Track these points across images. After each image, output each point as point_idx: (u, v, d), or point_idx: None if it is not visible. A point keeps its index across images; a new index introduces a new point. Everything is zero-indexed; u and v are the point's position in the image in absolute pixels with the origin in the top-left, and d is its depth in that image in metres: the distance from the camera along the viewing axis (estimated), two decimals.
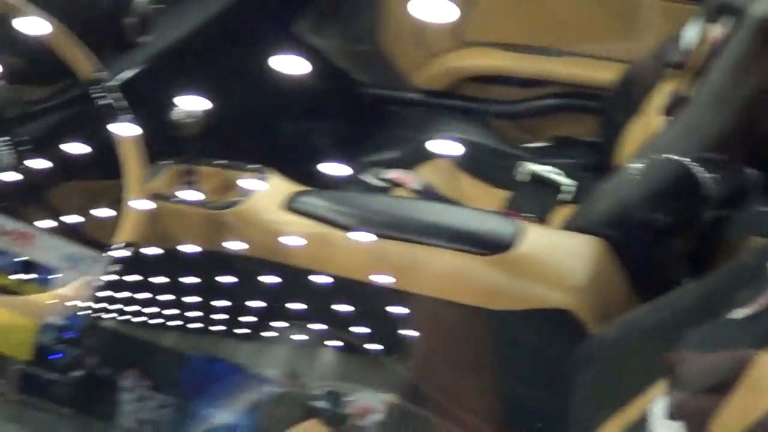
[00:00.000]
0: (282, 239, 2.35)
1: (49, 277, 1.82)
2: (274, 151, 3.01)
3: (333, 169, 3.07)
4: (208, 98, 2.55)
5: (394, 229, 2.27)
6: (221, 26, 2.98)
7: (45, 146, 1.95)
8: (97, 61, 2.00)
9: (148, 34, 2.66)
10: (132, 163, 1.95)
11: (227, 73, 2.92)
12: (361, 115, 3.40)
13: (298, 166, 2.57)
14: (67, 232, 1.82)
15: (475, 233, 2.19)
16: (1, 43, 2.25)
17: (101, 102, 1.96)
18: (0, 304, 1.69)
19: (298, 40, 3.36)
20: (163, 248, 2.26)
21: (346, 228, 2.29)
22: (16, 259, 1.76)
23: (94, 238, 1.89)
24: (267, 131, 3.23)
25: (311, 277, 2.32)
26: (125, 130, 1.97)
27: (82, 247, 1.77)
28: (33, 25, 1.93)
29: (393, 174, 3.02)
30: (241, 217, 2.38)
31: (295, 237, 2.35)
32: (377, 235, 2.26)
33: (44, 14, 1.94)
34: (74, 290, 1.78)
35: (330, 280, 2.31)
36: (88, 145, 2.30)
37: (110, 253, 1.83)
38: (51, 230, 1.79)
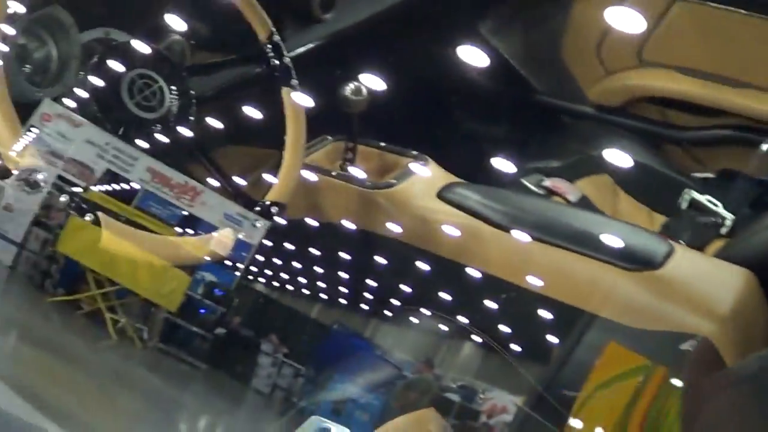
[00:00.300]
0: (432, 227, 2.34)
1: (209, 233, 1.85)
2: (437, 141, 3.00)
3: (493, 167, 3.03)
4: (381, 80, 2.56)
5: (544, 232, 2.24)
6: (406, 13, 2.99)
7: (216, 104, 2.00)
8: (275, 26, 2.03)
9: (332, 11, 2.69)
10: (296, 130, 1.98)
11: (404, 59, 2.93)
12: (531, 120, 3.36)
13: (458, 159, 2.56)
14: (230, 192, 1.85)
15: (626, 247, 2.14)
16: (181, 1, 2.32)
17: (276, 63, 2.00)
18: (157, 249, 1.73)
19: (480, 38, 3.33)
20: (316, 221, 2.28)
21: (496, 224, 2.26)
22: (180, 212, 1.80)
23: (245, 202, 1.91)
24: (433, 120, 3.22)
25: (457, 269, 2.30)
26: (293, 100, 2.00)
27: (243, 209, 1.81)
28: None
29: (552, 182, 2.97)
30: (394, 199, 2.39)
31: (445, 226, 2.33)
32: (527, 236, 2.22)
33: None
34: (229, 248, 1.81)
35: (476, 274, 2.29)
36: (258, 108, 2.35)
37: (257, 209, 1.85)
38: (215, 189, 1.83)
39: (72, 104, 1.86)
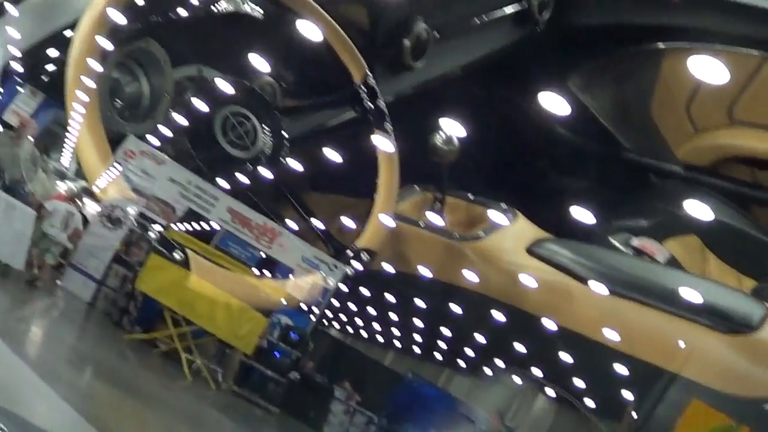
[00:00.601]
0: (519, 281, 2.27)
1: (286, 276, 1.80)
2: (525, 194, 2.94)
3: (581, 223, 2.95)
4: (469, 130, 2.51)
5: (635, 290, 2.17)
6: (496, 65, 2.96)
7: (307, 146, 1.95)
8: (370, 70, 1.99)
9: (423, 60, 2.66)
10: (389, 176, 1.94)
11: (492, 111, 2.89)
12: (618, 177, 3.29)
13: (546, 212, 2.49)
14: (310, 236, 1.79)
15: (721, 308, 2.06)
16: (277, 41, 2.30)
17: (370, 106, 1.95)
18: (236, 291, 1.67)
19: (569, 93, 3.27)
20: (398, 269, 2.22)
21: (585, 281, 2.18)
22: (258, 254, 1.75)
23: (336, 247, 1.86)
24: (521, 173, 3.17)
25: (539, 323, 2.23)
26: (387, 144, 1.95)
27: (322, 253, 1.75)
28: (313, 28, 1.94)
29: (640, 242, 2.89)
30: (482, 252, 2.34)
31: (533, 281, 2.26)
32: (617, 294, 2.14)
33: (328, 19, 1.95)
34: (307, 293, 1.75)
35: (558, 329, 2.21)
36: (348, 153, 2.30)
37: (347, 253, 1.80)
38: (295, 231, 1.78)
39: (157, 141, 1.82)
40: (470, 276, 2.43)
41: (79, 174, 2.34)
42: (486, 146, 2.75)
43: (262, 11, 2.08)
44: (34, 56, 1.87)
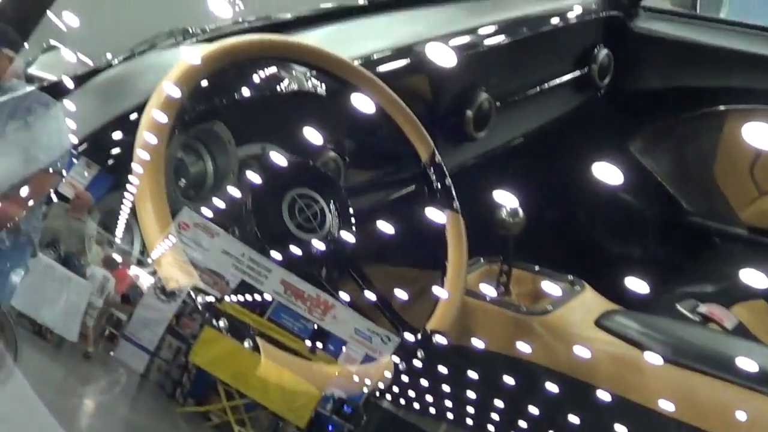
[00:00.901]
0: (588, 355, 2.20)
1: (339, 347, 1.75)
2: (589, 261, 2.88)
3: (646, 292, 2.88)
4: (532, 200, 2.48)
5: (708, 364, 2.08)
6: (557, 132, 2.93)
7: (373, 224, 1.91)
8: (435, 147, 1.95)
9: (485, 130, 2.63)
10: (458, 256, 1.89)
11: (555, 178, 2.85)
12: (682, 242, 3.21)
13: (610, 281, 2.43)
14: (363, 307, 1.75)
15: None
16: (341, 117, 2.28)
17: (438, 185, 1.92)
18: (290, 368, 1.63)
19: (630, 157, 3.24)
20: (460, 343, 2.16)
21: (656, 355, 2.11)
22: (311, 326, 1.71)
23: (406, 329, 1.81)
24: (585, 240, 3.12)
25: (603, 397, 2.16)
26: (455, 223, 1.91)
27: (374, 325, 1.70)
28: (378, 105, 1.91)
29: (708, 308, 2.81)
30: (550, 326, 2.27)
31: (603, 356, 2.19)
32: (689, 369, 2.07)
33: (393, 97, 1.92)
34: (364, 370, 1.70)
35: (622, 401, 2.15)
36: (414, 227, 2.26)
37: (418, 337, 1.74)
38: (348, 303, 1.73)
39: (222, 222, 1.79)
40: (537, 350, 2.36)
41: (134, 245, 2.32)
42: (548, 215, 2.70)
43: (325, 88, 2.05)
44: (98, 138, 1.85)
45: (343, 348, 1.68)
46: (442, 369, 1.91)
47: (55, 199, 1.98)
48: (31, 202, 1.85)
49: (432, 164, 1.86)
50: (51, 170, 1.83)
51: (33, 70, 2.20)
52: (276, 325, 1.75)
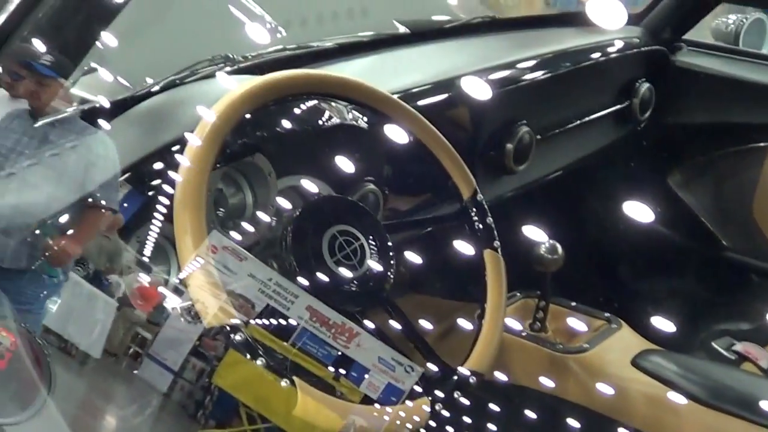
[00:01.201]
0: (625, 396, 2.17)
1: (362, 375, 1.73)
2: (624, 298, 2.86)
3: (681, 329, 2.85)
4: (567, 234, 2.45)
5: (747, 409, 2.04)
6: (596, 166, 2.90)
7: (404, 255, 1.89)
8: (476, 184, 1.93)
9: (524, 164, 2.61)
10: (497, 295, 1.86)
11: (592, 213, 2.83)
12: (719, 278, 3.17)
13: (645, 318, 2.39)
14: (396, 340, 1.73)
15: None
16: (381, 150, 2.26)
17: (479, 225, 1.90)
18: (329, 408, 1.61)
19: (668, 191, 3.21)
20: (494, 379, 2.13)
21: (694, 397, 2.08)
22: (335, 353, 1.69)
23: (443, 369, 1.79)
24: (621, 275, 3.10)
25: None
26: (496, 262, 1.88)
27: (398, 354, 1.68)
28: (420, 141, 1.90)
29: (743, 347, 2.76)
30: (587, 365, 2.24)
31: (639, 396, 2.16)
32: (725, 412, 2.03)
33: (436, 133, 1.90)
34: (402, 411, 1.68)
35: None
36: (449, 263, 2.25)
37: (455, 378, 1.72)
38: (380, 335, 1.72)
39: (261, 254, 1.78)
40: (573, 387, 2.33)
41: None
42: (584, 249, 2.67)
43: (366, 121, 2.04)
44: (140, 169, 1.85)
45: (366, 376, 1.67)
46: (474, 402, 1.88)
47: None
48: (88, 240, 1.85)
49: (473, 203, 1.84)
50: (109, 210, 1.82)
51: (75, 91, 2.20)
52: (300, 351, 1.74)
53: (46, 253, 1.88)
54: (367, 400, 1.77)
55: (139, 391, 2.58)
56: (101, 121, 2.06)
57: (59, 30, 1.76)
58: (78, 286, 2.11)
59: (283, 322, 1.73)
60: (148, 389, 2.49)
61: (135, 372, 2.53)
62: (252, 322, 1.58)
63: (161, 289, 2.18)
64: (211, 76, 2.28)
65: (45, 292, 1.83)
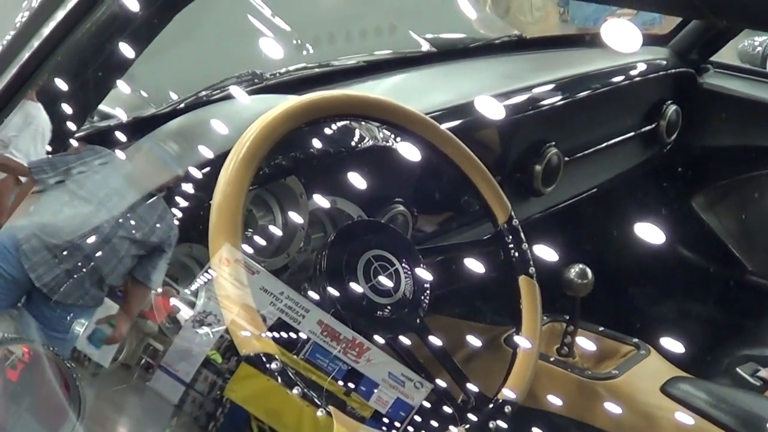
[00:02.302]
0: (655, 424, 2.13)
1: (371, 390, 1.71)
2: (648, 322, 2.82)
3: (705, 354, 2.82)
4: (592, 257, 2.42)
5: None
6: (622, 188, 2.87)
7: (437, 279, 1.85)
8: (511, 208, 1.90)
9: (552, 185, 2.58)
10: (533, 323, 1.82)
11: (619, 235, 2.79)
12: (742, 302, 3.13)
13: (669, 342, 2.36)
14: (401, 353, 1.70)
15: None
16: (413, 172, 2.23)
17: (514, 250, 1.86)
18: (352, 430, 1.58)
19: (692, 214, 3.17)
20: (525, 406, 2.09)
21: (725, 427, 2.04)
22: (345, 367, 1.67)
23: (477, 398, 1.75)
24: (644, 300, 3.07)
25: None
26: (529, 285, 1.84)
27: (407, 370, 1.65)
28: (455, 164, 1.86)
29: (767, 373, 2.72)
30: (616, 391, 2.20)
31: (668, 425, 2.12)
32: None
33: (471, 156, 1.87)
34: None
35: None
36: (482, 288, 2.22)
37: (490, 407, 1.68)
38: (383, 346, 1.69)
39: (292, 280, 1.75)
40: (602, 414, 2.29)
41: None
42: (609, 271, 2.63)
43: (399, 142, 2.00)
44: (172, 190, 1.81)
45: (375, 390, 1.64)
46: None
47: None
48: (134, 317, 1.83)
49: (509, 228, 1.80)
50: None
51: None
52: (310, 365, 1.71)
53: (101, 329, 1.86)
54: (377, 415, 1.75)
55: (150, 403, 2.55)
56: (124, 134, 2.03)
57: (77, 74, 1.72)
58: None
59: (293, 335, 1.71)
60: (160, 401, 2.45)
61: (147, 383, 2.50)
62: (263, 335, 1.55)
63: (174, 300, 2.15)
64: (238, 93, 2.25)
65: (83, 321, 1.79)
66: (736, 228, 3.30)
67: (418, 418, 1.76)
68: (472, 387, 1.78)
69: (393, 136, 2.05)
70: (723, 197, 3.30)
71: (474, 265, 1.93)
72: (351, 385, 1.74)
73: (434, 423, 1.72)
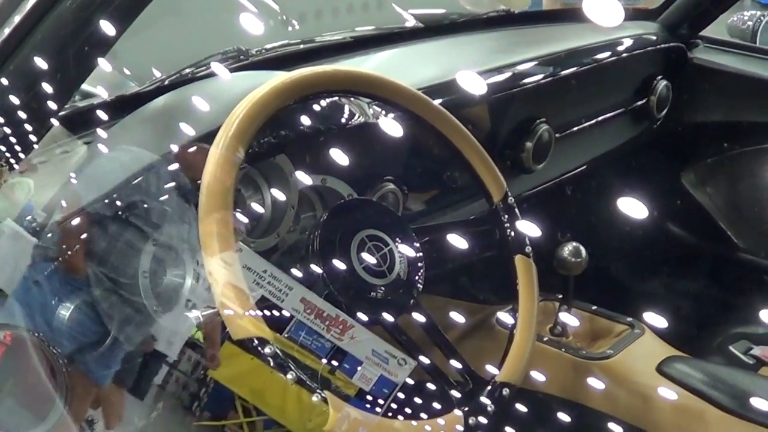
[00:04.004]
0: (650, 404, 2.11)
1: (354, 367, 1.69)
2: (638, 299, 2.81)
3: (697, 332, 2.81)
4: (583, 234, 2.40)
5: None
6: (611, 164, 2.85)
7: (431, 258, 1.82)
8: (506, 186, 1.86)
9: (543, 162, 2.55)
10: (529, 303, 1.79)
11: (603, 212, 2.78)
12: (733, 279, 3.12)
13: (660, 322, 2.34)
14: (393, 332, 1.67)
15: None
16: (405, 149, 2.19)
17: (510, 232, 1.82)
18: (361, 424, 1.55)
19: (681, 190, 3.15)
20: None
21: (722, 406, 2.02)
22: (329, 345, 1.65)
23: (475, 380, 1.72)
24: (633, 277, 3.05)
25: None
26: (526, 264, 1.81)
27: (391, 347, 1.63)
28: (449, 141, 1.82)
29: (762, 351, 2.70)
30: (610, 371, 2.18)
31: (665, 405, 2.10)
32: (753, 421, 1.97)
33: (466, 133, 1.83)
34: (434, 426, 1.62)
35: None
36: (478, 267, 2.18)
37: (488, 389, 1.65)
38: (367, 324, 1.66)
39: (284, 262, 1.71)
40: (597, 395, 2.27)
41: None
42: (600, 249, 2.60)
43: (390, 119, 1.96)
44: (158, 170, 1.75)
45: (359, 368, 1.62)
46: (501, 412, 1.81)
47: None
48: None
49: (505, 206, 1.77)
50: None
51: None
52: (294, 343, 1.68)
53: None
54: (360, 393, 1.74)
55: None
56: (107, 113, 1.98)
57: (59, 52, 1.66)
58: None
59: (276, 313, 1.68)
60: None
61: None
62: (246, 313, 1.50)
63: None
64: (224, 71, 2.19)
65: (68, 305, 1.73)
66: (726, 204, 3.28)
67: (418, 401, 1.74)
68: (468, 368, 1.75)
69: (383, 112, 2.00)
70: (713, 173, 3.28)
71: (469, 244, 1.89)
72: (335, 363, 1.71)
73: (435, 405, 1.68)
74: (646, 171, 3.13)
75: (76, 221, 1.69)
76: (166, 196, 1.75)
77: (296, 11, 2.53)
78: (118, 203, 1.70)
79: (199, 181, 1.52)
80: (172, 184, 1.74)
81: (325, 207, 2.00)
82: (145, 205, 1.75)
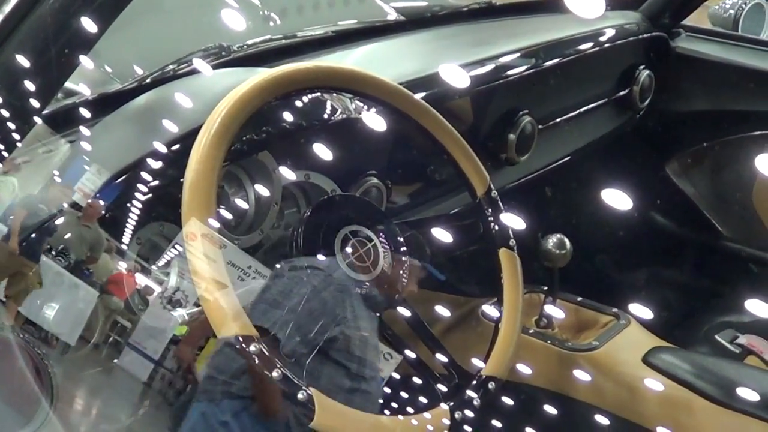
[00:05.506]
0: (636, 395, 2.13)
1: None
2: (624, 290, 2.82)
3: (683, 321, 2.84)
4: (567, 226, 2.41)
5: (763, 408, 2.01)
6: (595, 154, 2.87)
7: (416, 253, 1.83)
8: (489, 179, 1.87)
9: (526, 154, 2.57)
10: (514, 297, 1.80)
11: (587, 202, 2.79)
12: (718, 268, 3.14)
13: (646, 310, 2.36)
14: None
15: None
16: (388, 144, 2.20)
17: (494, 225, 1.83)
18: (346, 420, 1.56)
19: (665, 179, 3.17)
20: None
21: (708, 396, 2.03)
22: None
23: (461, 374, 1.74)
24: (619, 267, 3.07)
25: None
26: (512, 262, 1.82)
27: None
28: (432, 135, 1.83)
29: (748, 340, 2.73)
30: (596, 363, 2.19)
31: (651, 395, 2.12)
32: (739, 411, 1.99)
33: (449, 128, 1.84)
34: (423, 420, 1.63)
35: None
36: (462, 261, 2.20)
37: (474, 383, 1.66)
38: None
39: (266, 257, 1.73)
40: (583, 387, 2.29)
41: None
42: (584, 239, 2.62)
43: (373, 114, 1.97)
44: (141, 169, 1.76)
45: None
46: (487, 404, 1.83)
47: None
48: None
49: (488, 199, 1.78)
50: None
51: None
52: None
53: None
54: None
55: (119, 380, 2.52)
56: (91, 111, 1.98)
57: (42, 50, 1.67)
58: (59, 277, 2.04)
59: None
60: (129, 378, 2.43)
61: (115, 361, 2.47)
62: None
63: (138, 276, 2.12)
64: (206, 67, 2.20)
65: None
66: (710, 193, 3.31)
67: (404, 395, 1.75)
68: (454, 362, 1.77)
69: (366, 107, 2.02)
70: (697, 162, 3.30)
71: (453, 238, 1.90)
72: None
73: (422, 400, 1.70)
74: (629, 161, 3.15)
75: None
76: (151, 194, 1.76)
77: (277, 6, 2.53)
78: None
79: None
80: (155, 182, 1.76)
81: (308, 203, 2.01)
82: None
